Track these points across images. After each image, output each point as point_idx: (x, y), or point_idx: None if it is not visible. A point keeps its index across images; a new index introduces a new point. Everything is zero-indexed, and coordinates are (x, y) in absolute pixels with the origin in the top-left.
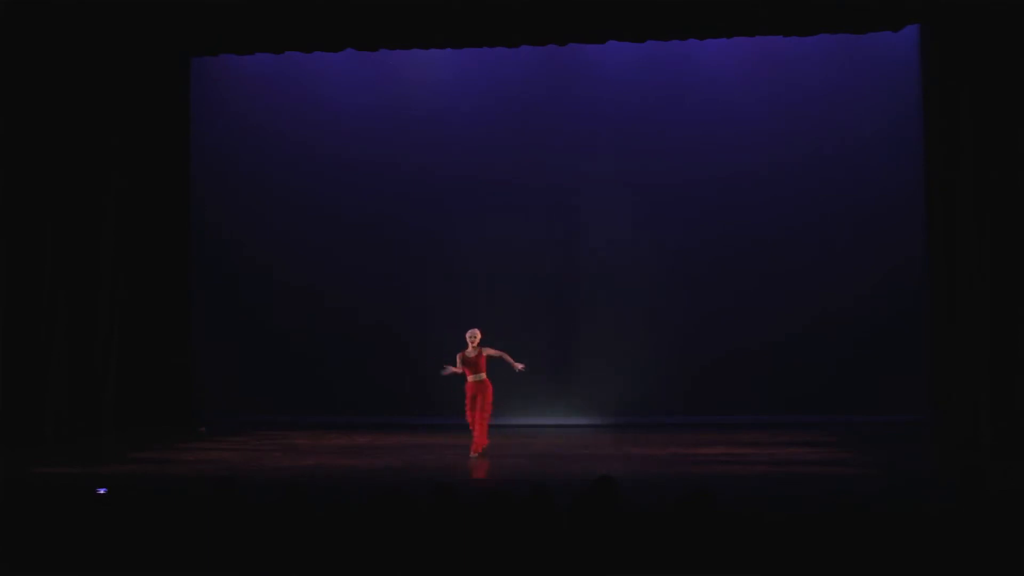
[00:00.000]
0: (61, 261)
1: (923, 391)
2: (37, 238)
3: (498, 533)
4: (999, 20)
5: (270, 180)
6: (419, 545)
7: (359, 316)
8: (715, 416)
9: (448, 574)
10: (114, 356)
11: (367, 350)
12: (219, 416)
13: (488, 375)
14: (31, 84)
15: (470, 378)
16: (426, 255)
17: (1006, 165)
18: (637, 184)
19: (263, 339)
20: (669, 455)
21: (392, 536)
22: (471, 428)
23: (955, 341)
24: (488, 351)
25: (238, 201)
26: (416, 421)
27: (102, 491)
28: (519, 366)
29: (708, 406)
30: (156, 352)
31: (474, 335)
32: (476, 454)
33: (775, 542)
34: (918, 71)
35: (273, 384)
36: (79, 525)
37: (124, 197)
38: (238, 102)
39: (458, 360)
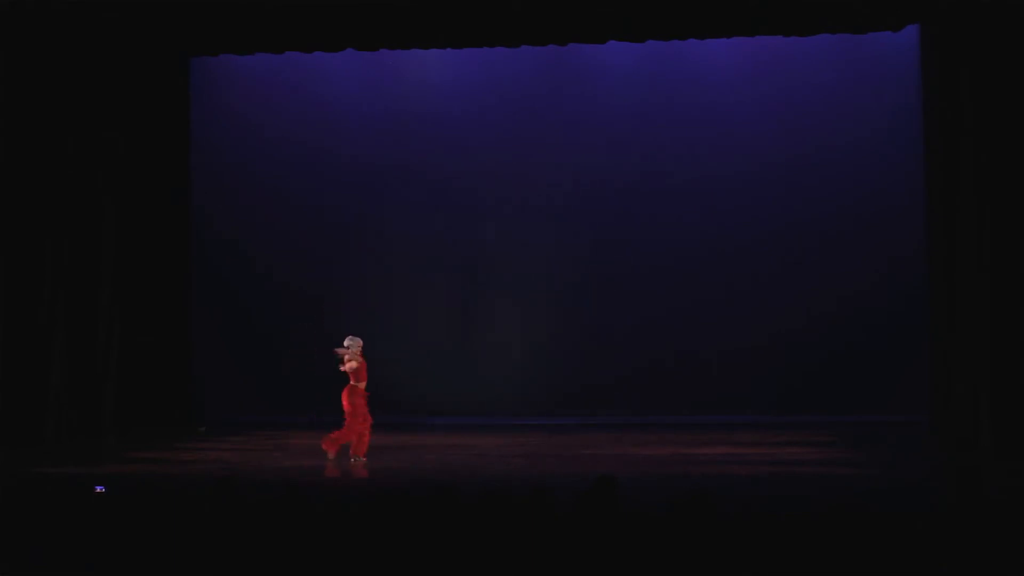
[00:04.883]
0: (61, 261)
1: (923, 391)
2: (37, 238)
3: (498, 533)
4: (999, 20)
5: (270, 180)
6: (419, 545)
7: (359, 315)
8: (715, 416)
9: (448, 574)
10: (114, 356)
11: (367, 350)
12: (219, 416)
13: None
14: (31, 83)
15: (362, 384)
16: (426, 254)
17: (1006, 165)
18: (638, 183)
19: (263, 339)
20: (669, 455)
21: (392, 536)
22: (362, 435)
23: (955, 341)
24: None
25: (238, 201)
26: (416, 421)
27: (100, 489)
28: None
29: (708, 406)
30: (156, 352)
31: (356, 343)
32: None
33: (775, 542)
34: (918, 71)
35: (273, 384)
36: (79, 525)
37: (124, 197)
38: (238, 102)
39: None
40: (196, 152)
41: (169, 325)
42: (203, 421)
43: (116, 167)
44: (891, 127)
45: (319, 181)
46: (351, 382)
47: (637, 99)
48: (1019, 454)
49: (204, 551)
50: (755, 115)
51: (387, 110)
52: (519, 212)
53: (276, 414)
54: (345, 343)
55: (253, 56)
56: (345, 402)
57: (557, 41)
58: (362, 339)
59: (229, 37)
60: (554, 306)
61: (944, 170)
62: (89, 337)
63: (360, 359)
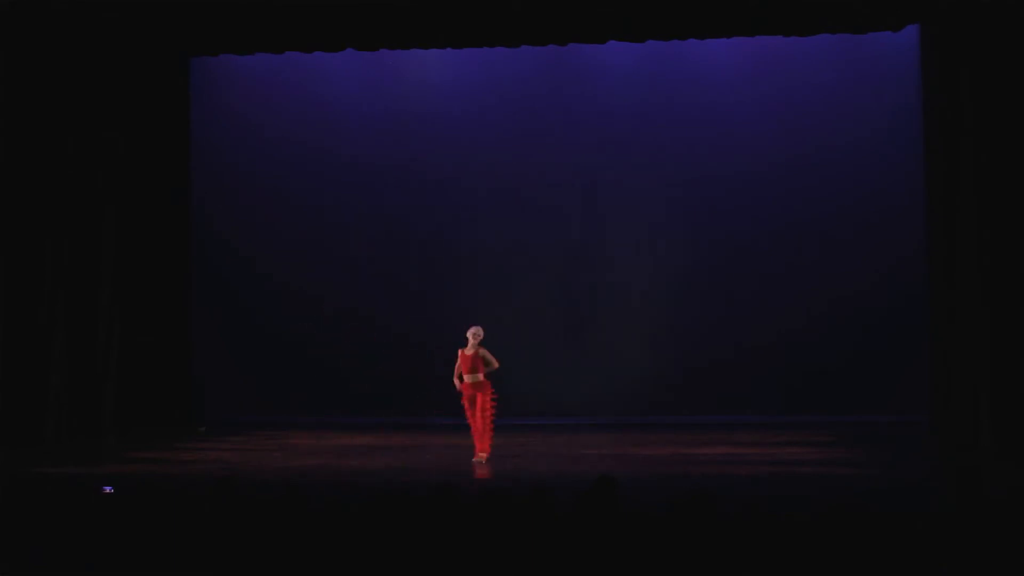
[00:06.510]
0: (61, 261)
1: (923, 391)
2: (37, 238)
3: (498, 533)
4: (999, 20)
5: (270, 180)
6: (419, 545)
7: (359, 316)
8: (715, 416)
9: (448, 574)
10: (114, 356)
11: (367, 350)
12: (219, 416)
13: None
14: (31, 83)
15: (467, 378)
16: (425, 255)
17: (1006, 165)
18: (637, 184)
19: (263, 339)
20: (669, 455)
21: (392, 536)
22: (473, 430)
23: (955, 341)
24: (485, 352)
25: (238, 201)
26: (416, 421)
27: (108, 489)
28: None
29: (708, 406)
30: (156, 352)
31: (477, 332)
32: (481, 459)
33: (775, 542)
34: (918, 71)
35: (273, 384)
36: (79, 525)
37: (124, 196)
38: (238, 102)
39: (460, 358)
40: (196, 152)
41: (169, 325)
42: (203, 421)
43: (116, 167)
44: (891, 127)
45: (319, 181)
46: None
47: (637, 99)
48: (1019, 454)
49: (204, 551)
50: (755, 115)
51: (387, 110)
52: (519, 212)
53: (276, 414)
54: (468, 334)
55: (253, 56)
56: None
57: (557, 41)
58: (481, 329)
59: (229, 37)
60: (551, 306)
61: (944, 170)
62: (89, 337)
63: (464, 352)
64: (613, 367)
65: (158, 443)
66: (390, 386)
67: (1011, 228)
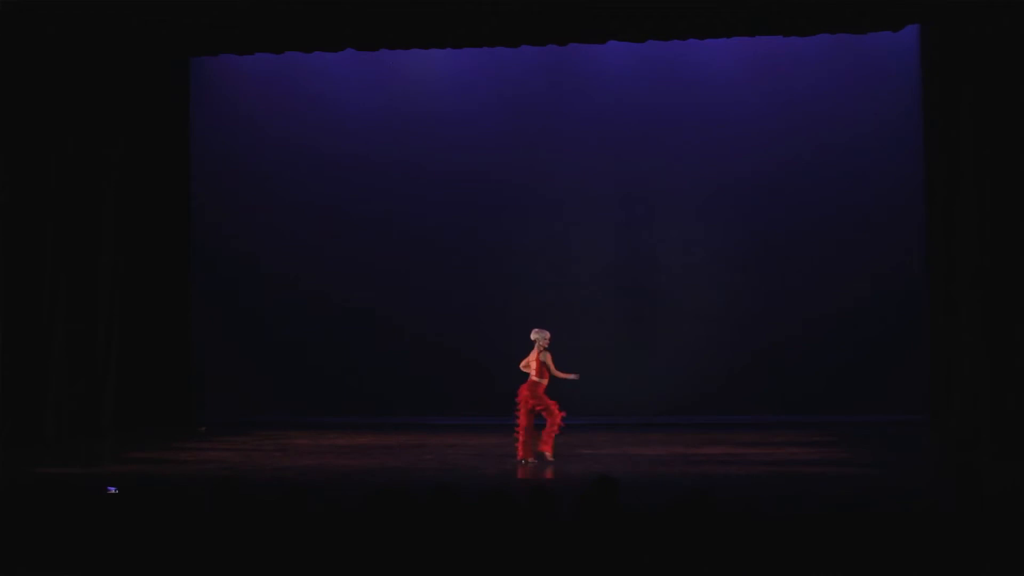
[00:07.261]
0: (61, 261)
1: (923, 391)
2: (37, 238)
3: (498, 533)
4: (999, 20)
5: (270, 180)
6: (419, 545)
7: (359, 316)
8: (715, 416)
9: (448, 574)
10: (114, 356)
11: (367, 350)
12: (219, 416)
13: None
14: (31, 83)
15: (545, 381)
16: (426, 255)
17: (1006, 164)
18: (636, 185)
19: (263, 339)
20: (669, 455)
21: (392, 536)
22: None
23: (955, 341)
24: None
25: (238, 201)
26: (416, 421)
27: (112, 490)
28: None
29: (708, 406)
30: (156, 352)
31: (547, 336)
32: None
33: (775, 542)
34: (918, 71)
35: (273, 384)
36: (79, 525)
37: (124, 197)
38: (238, 102)
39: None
40: (196, 152)
41: (169, 325)
42: (203, 421)
43: (116, 167)
44: (891, 127)
45: (319, 181)
46: (534, 377)
47: (637, 99)
48: (1019, 454)
49: (204, 551)
50: (755, 115)
51: (387, 110)
52: (519, 212)
53: (276, 414)
54: (532, 336)
55: (253, 56)
56: (544, 399)
57: (557, 41)
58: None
59: (229, 37)
60: (551, 306)
61: (944, 170)
62: (89, 337)
63: (544, 357)
64: (612, 367)
65: (158, 443)
66: (390, 386)
67: (1011, 228)
